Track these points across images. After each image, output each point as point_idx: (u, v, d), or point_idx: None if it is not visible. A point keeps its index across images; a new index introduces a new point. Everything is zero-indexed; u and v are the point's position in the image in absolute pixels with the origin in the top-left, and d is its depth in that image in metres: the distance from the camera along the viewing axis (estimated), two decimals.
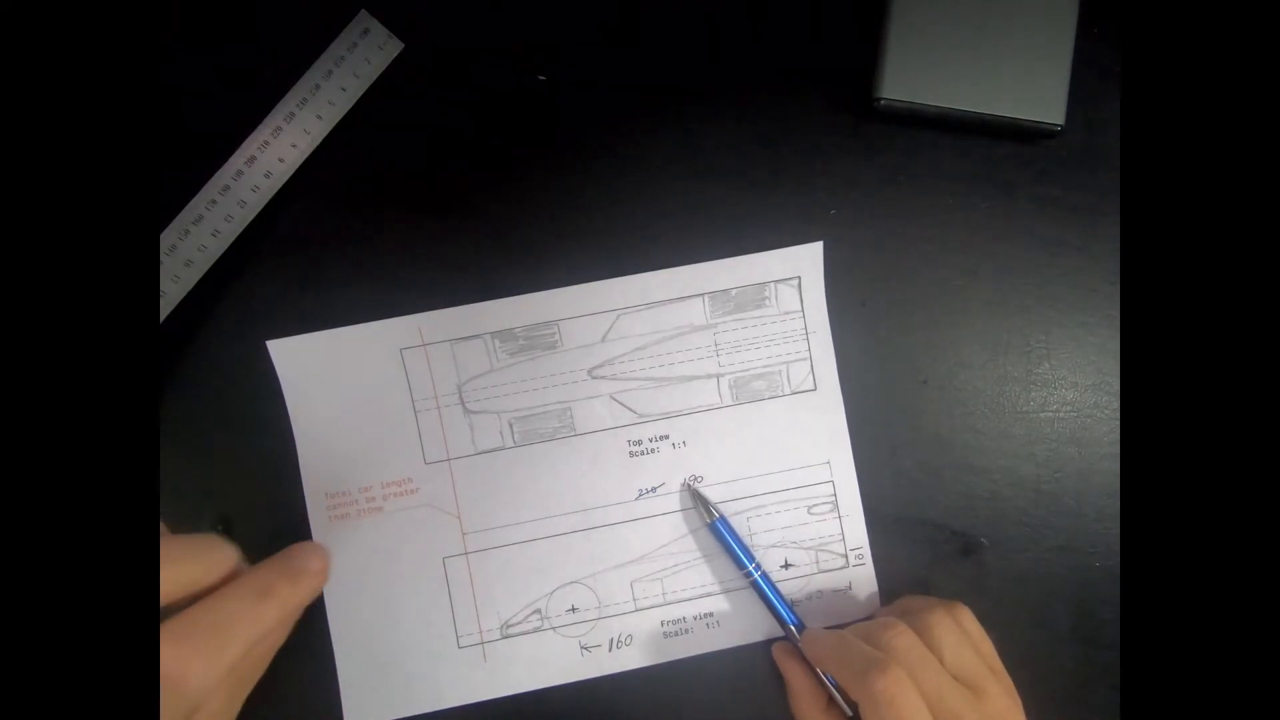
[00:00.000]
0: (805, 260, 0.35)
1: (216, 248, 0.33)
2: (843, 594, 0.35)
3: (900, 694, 0.28)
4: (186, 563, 0.25)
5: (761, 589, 0.34)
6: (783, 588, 0.35)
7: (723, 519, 0.34)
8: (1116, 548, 0.35)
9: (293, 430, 0.34)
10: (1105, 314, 0.36)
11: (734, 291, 0.35)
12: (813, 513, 0.35)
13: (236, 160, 0.33)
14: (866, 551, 0.35)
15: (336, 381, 0.34)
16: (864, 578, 0.35)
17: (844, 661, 0.30)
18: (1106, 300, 0.36)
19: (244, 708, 0.29)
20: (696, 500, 0.34)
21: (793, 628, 0.33)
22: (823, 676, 0.32)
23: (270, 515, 0.34)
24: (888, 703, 0.27)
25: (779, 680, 0.34)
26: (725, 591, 0.35)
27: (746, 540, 0.35)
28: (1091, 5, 0.33)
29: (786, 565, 0.35)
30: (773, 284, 0.35)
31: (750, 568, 0.34)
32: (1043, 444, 0.36)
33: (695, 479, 0.35)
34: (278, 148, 0.33)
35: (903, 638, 0.29)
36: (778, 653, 0.34)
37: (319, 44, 0.34)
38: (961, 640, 0.31)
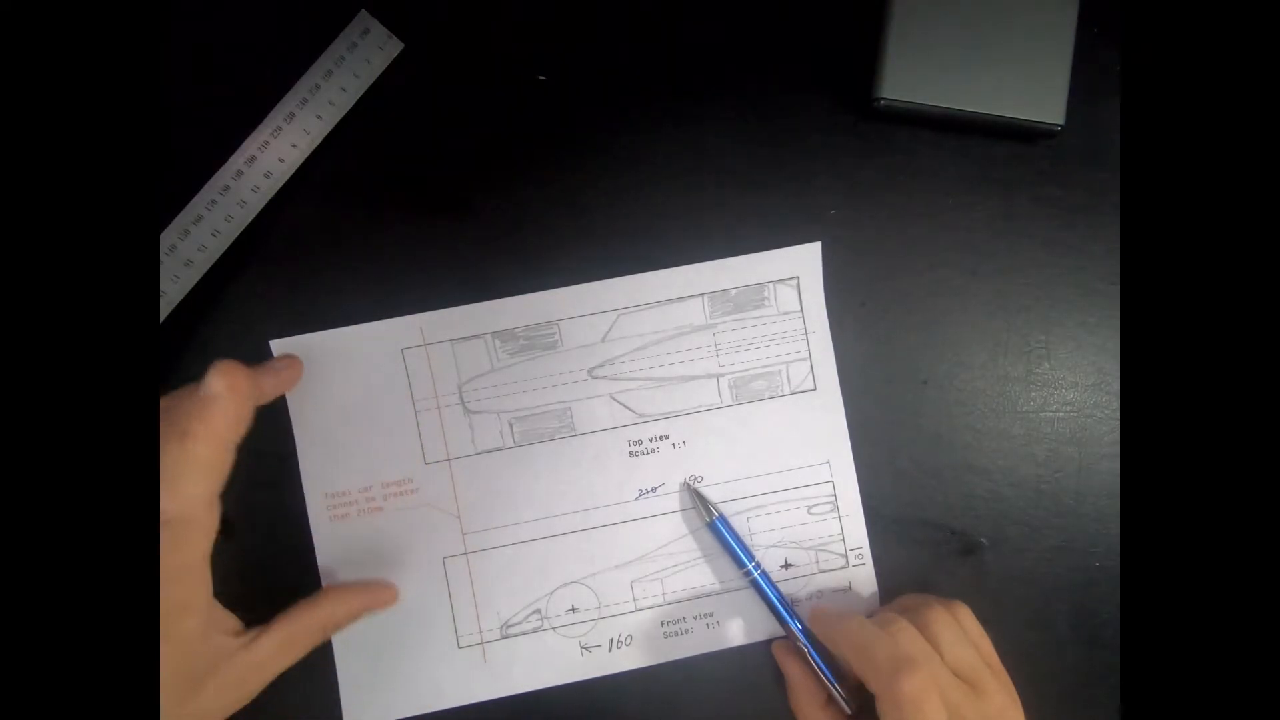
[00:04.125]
0: (804, 260, 0.35)
1: (216, 248, 0.33)
2: (843, 594, 0.35)
3: (927, 698, 0.27)
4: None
5: (761, 588, 0.34)
6: (783, 588, 0.35)
7: (722, 518, 0.34)
8: (1116, 548, 0.35)
9: (293, 430, 0.34)
10: (1105, 314, 0.36)
11: (733, 291, 0.35)
12: (813, 513, 0.35)
13: (236, 160, 0.33)
14: (866, 551, 0.35)
15: (337, 381, 0.34)
16: (864, 578, 0.35)
17: (868, 656, 0.29)
18: (1106, 300, 0.36)
19: (244, 708, 0.29)
20: (696, 499, 0.34)
21: (793, 628, 0.33)
22: (821, 674, 0.32)
23: (270, 515, 0.34)
24: (915, 705, 0.27)
25: (779, 680, 0.34)
26: (725, 591, 0.35)
27: (747, 540, 0.35)
28: (1091, 5, 0.33)
29: (786, 565, 0.35)
30: (772, 284, 0.35)
31: (749, 566, 0.34)
32: (1043, 444, 0.36)
33: (695, 479, 0.35)
34: (278, 148, 0.33)
35: (904, 633, 0.29)
36: (777, 650, 0.34)
37: (319, 44, 0.34)
38: (960, 637, 0.31)
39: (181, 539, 0.27)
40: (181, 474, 0.27)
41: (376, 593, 0.33)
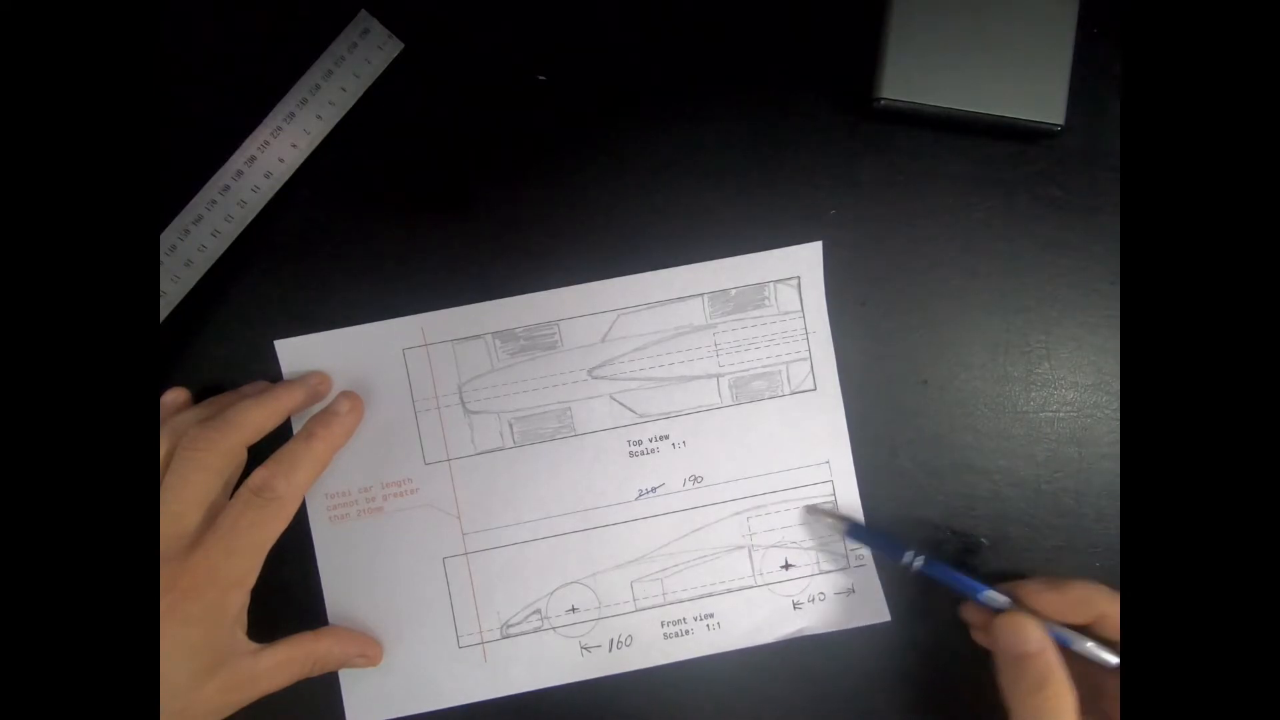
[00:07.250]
0: (805, 260, 0.35)
1: (216, 248, 0.33)
2: (844, 595, 0.35)
3: None
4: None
5: (932, 574, 0.32)
6: (783, 588, 0.35)
7: (852, 525, 0.34)
8: (1116, 548, 0.35)
9: (293, 431, 0.34)
10: (1105, 314, 0.36)
11: (734, 291, 0.35)
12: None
13: (236, 160, 0.33)
14: (867, 552, 0.35)
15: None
16: (864, 578, 0.35)
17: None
18: (1106, 300, 0.36)
19: (245, 710, 0.30)
20: (818, 515, 0.35)
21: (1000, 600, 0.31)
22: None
23: None
24: None
25: (779, 681, 0.34)
26: (726, 592, 0.35)
27: (749, 540, 0.35)
28: (1091, 5, 0.33)
29: (787, 566, 0.35)
30: (772, 284, 0.35)
31: (907, 558, 0.33)
32: (1043, 444, 0.36)
33: (695, 479, 0.35)
34: (278, 148, 0.33)
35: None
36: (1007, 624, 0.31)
37: (319, 44, 0.34)
38: None
39: (275, 518, 0.30)
40: (301, 464, 0.31)
41: (368, 646, 0.33)
